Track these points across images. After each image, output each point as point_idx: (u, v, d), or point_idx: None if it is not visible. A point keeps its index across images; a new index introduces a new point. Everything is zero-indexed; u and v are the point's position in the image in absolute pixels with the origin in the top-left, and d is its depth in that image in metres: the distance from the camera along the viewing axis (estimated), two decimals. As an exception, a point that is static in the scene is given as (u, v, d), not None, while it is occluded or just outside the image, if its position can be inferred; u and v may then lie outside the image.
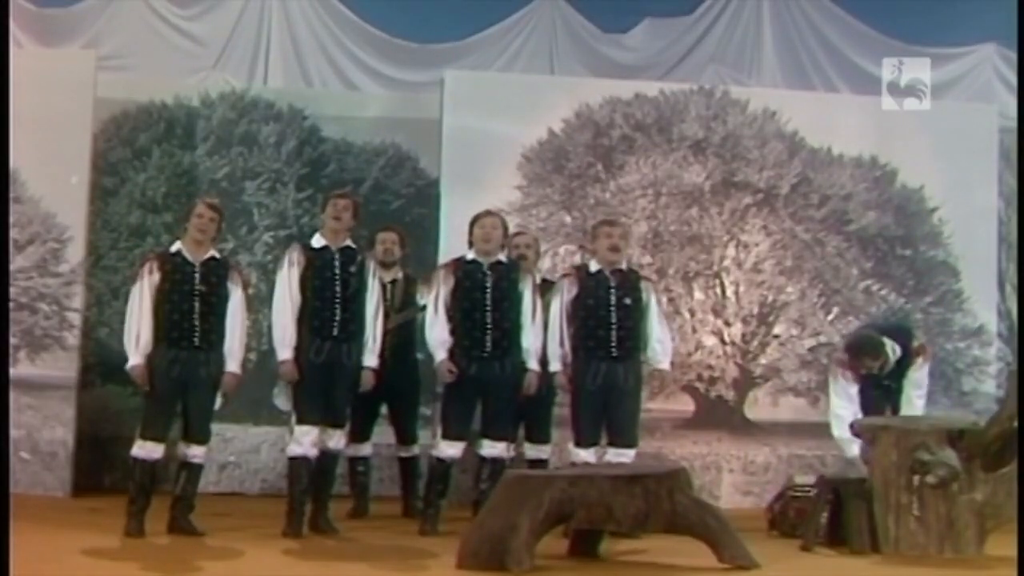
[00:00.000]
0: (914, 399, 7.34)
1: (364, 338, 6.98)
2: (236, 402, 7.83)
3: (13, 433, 7.57)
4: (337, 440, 7.00)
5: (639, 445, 7.27)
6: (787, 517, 7.32)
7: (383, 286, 7.32)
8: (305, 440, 6.87)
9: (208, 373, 6.78)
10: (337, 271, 6.96)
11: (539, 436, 7.66)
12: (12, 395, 7.31)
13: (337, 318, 6.91)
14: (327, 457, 6.99)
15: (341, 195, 7.19)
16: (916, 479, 6.57)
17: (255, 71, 9.79)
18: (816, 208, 9.12)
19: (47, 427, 8.23)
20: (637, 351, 7.17)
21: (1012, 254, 9.45)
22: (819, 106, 9.55)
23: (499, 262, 7.17)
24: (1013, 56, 9.74)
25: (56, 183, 8.32)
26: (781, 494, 7.51)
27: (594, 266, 7.25)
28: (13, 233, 7.94)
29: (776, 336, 9.01)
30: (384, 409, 7.95)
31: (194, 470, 6.85)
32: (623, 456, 7.04)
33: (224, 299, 6.83)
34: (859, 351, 7.28)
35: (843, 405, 7.26)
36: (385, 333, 7.19)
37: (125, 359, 6.76)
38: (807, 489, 7.23)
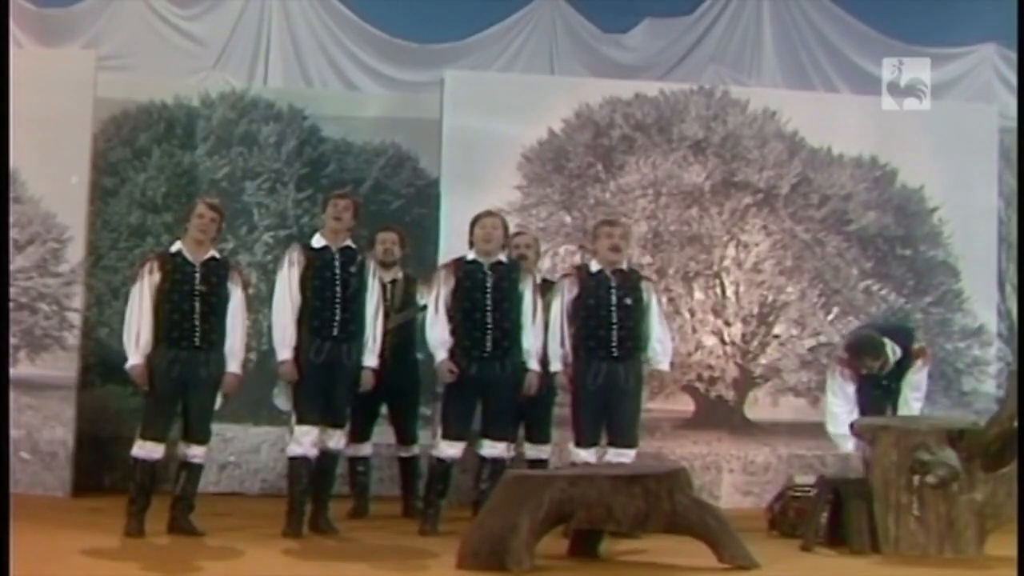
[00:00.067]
0: (911, 401, 7.36)
1: (364, 338, 6.98)
2: (236, 402, 7.83)
3: (13, 433, 7.57)
4: (337, 440, 7.00)
5: (639, 445, 7.28)
6: (787, 517, 7.32)
7: (383, 286, 7.32)
8: (305, 440, 6.87)
9: (208, 373, 6.78)
10: (337, 271, 6.96)
11: (539, 436, 7.66)
12: (12, 395, 7.30)
13: (337, 318, 6.91)
14: (327, 457, 6.99)
15: (341, 195, 7.19)
16: (916, 479, 6.57)
17: (255, 71, 9.79)
18: (816, 208, 9.12)
19: (47, 427, 8.23)
20: (638, 351, 7.17)
21: (1012, 254, 9.45)
22: (819, 106, 9.55)
23: (500, 262, 7.17)
24: (1013, 56, 9.74)
25: (56, 183, 8.32)
26: (781, 494, 7.51)
27: (595, 266, 7.25)
28: (13, 233, 7.94)
29: (776, 336, 9.01)
30: (384, 409, 7.95)
31: (194, 470, 6.85)
32: (623, 456, 7.04)
33: (224, 299, 6.84)
34: (859, 351, 7.29)
35: (838, 403, 7.30)
36: (385, 333, 7.19)
37: (125, 359, 6.77)
38: (807, 489, 7.23)
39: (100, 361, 8.57)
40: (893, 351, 7.27)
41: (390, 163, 9.31)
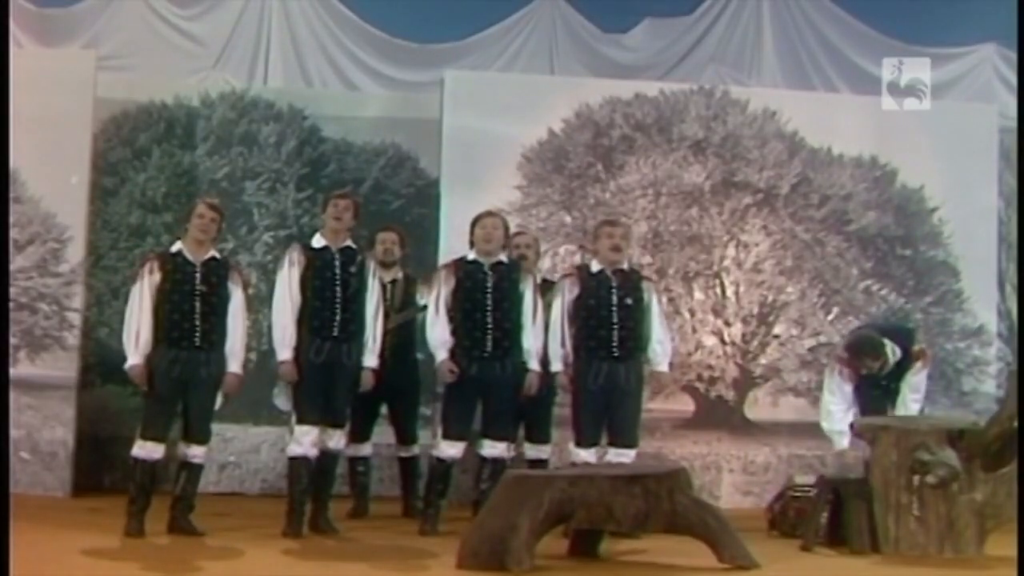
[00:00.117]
0: (910, 403, 7.37)
1: (364, 338, 6.98)
2: (236, 402, 7.82)
3: (13, 433, 7.57)
4: (337, 440, 7.00)
5: (639, 445, 7.28)
6: (787, 517, 7.32)
7: (383, 286, 7.32)
8: (305, 440, 6.87)
9: (208, 373, 6.78)
10: (337, 271, 6.96)
11: (539, 436, 7.66)
12: (12, 395, 7.30)
13: (337, 318, 6.91)
14: (327, 457, 6.99)
15: (341, 195, 7.19)
16: (916, 479, 6.58)
17: (255, 71, 9.78)
18: (816, 208, 9.12)
19: (47, 427, 8.23)
20: (638, 351, 7.17)
21: (1012, 254, 9.45)
22: (819, 106, 9.55)
23: (500, 262, 7.17)
24: (1013, 56, 9.74)
25: (56, 183, 8.32)
26: (781, 494, 7.51)
27: (596, 266, 7.25)
28: (13, 233, 7.94)
29: (776, 336, 9.01)
30: (384, 409, 7.95)
31: (194, 470, 6.85)
32: (623, 456, 7.04)
33: (225, 299, 6.84)
34: (859, 351, 7.29)
35: (835, 401, 7.33)
36: (385, 333, 7.19)
37: (125, 359, 6.76)
38: (807, 489, 7.24)
39: (100, 361, 8.57)
40: (893, 351, 7.28)
41: (390, 163, 9.31)
